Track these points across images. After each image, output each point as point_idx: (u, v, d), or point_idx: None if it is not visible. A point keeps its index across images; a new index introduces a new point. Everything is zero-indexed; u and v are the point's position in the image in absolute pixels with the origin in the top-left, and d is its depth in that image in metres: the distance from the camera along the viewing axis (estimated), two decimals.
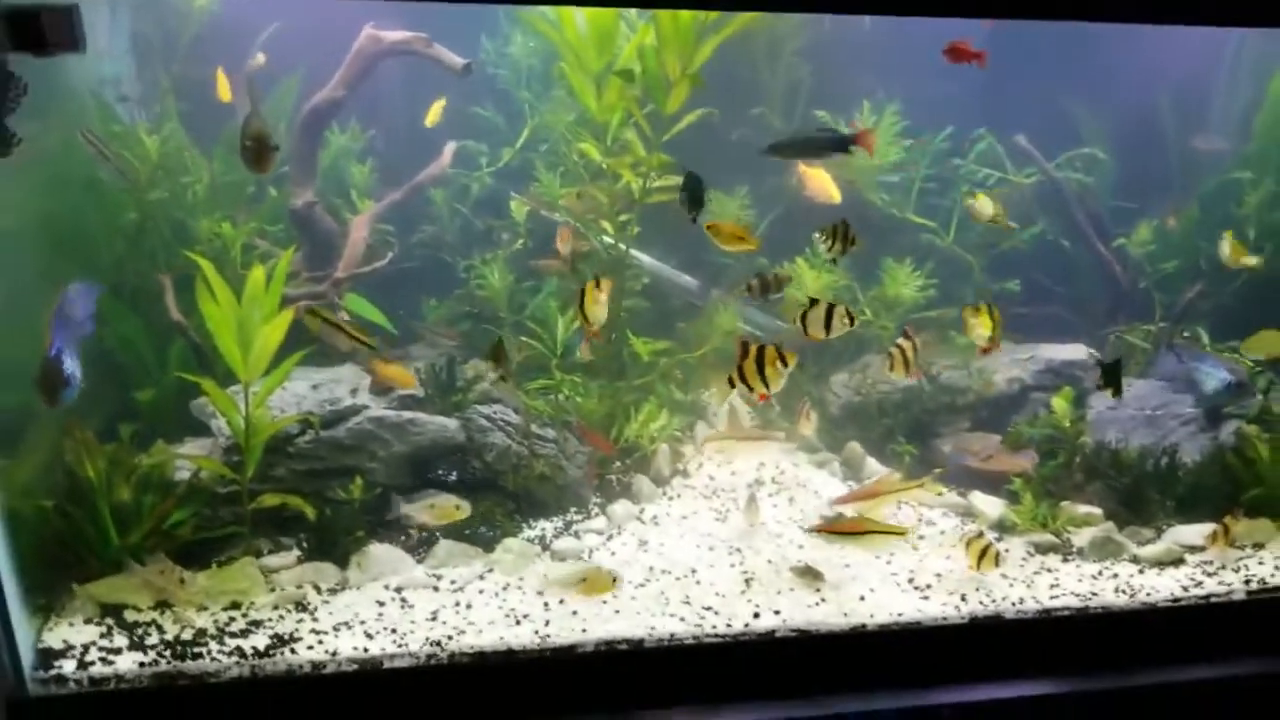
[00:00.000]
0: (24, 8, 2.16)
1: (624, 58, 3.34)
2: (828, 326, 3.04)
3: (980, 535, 3.21)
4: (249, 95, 2.89)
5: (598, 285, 2.95)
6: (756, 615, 3.04)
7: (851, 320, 3.06)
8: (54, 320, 2.67)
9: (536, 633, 2.91)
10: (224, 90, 3.25)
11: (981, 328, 3.06)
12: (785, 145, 3.23)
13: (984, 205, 3.44)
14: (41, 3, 2.16)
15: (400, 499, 3.22)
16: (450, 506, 3.19)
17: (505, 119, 3.80)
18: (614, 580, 3.05)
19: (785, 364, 2.93)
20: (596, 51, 3.29)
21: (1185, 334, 3.78)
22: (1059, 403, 3.54)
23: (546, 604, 3.02)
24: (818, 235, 3.08)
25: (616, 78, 3.27)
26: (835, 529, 3.20)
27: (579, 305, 2.97)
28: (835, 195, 3.46)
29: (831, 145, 3.14)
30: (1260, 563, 3.39)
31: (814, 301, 3.05)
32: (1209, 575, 3.31)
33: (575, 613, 3.00)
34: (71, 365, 2.64)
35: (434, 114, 3.53)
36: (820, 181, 3.55)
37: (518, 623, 2.95)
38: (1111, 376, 3.22)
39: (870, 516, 3.23)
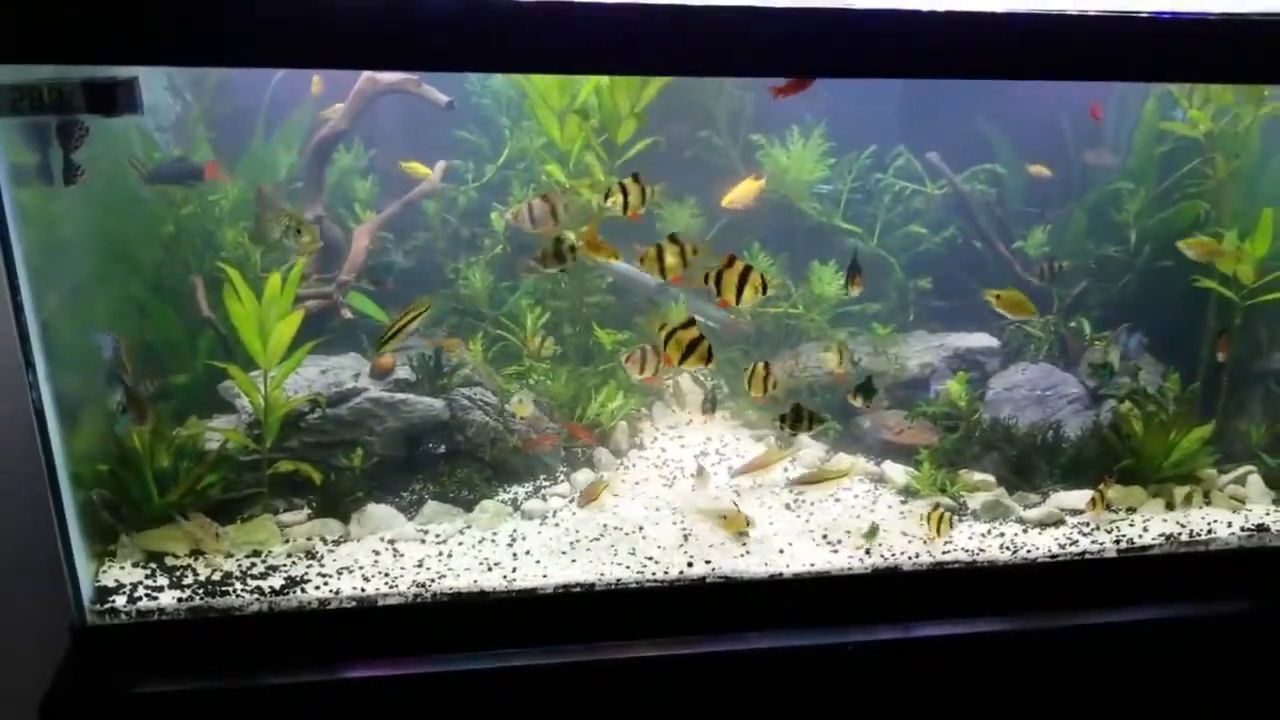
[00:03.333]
0: (99, 80, 2.72)
1: (581, 97, 3.87)
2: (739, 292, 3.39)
3: (936, 507, 3.68)
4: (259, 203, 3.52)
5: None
6: (690, 564, 3.53)
7: (764, 288, 3.40)
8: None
9: (504, 577, 3.43)
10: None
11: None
12: (155, 176, 3.73)
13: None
14: (112, 76, 2.74)
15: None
16: None
17: (488, 141, 4.33)
18: (747, 522, 3.66)
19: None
20: (558, 93, 3.83)
21: (1071, 324, 4.32)
22: (954, 385, 4.07)
23: (514, 548, 3.59)
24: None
25: (575, 115, 3.85)
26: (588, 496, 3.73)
27: None
28: (747, 201, 4.08)
29: (186, 174, 3.70)
30: (1131, 524, 3.85)
31: (732, 259, 3.37)
32: (1084, 535, 3.76)
33: (538, 562, 3.56)
34: None
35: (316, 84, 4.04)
36: (739, 191, 4.16)
37: (489, 569, 3.45)
38: (865, 389, 3.86)
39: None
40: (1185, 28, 3.05)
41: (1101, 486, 3.80)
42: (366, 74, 3.93)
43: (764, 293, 3.40)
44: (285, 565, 3.43)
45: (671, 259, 3.36)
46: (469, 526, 3.72)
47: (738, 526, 3.66)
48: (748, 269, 3.35)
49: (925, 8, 2.90)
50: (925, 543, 3.69)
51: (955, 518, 3.72)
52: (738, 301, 3.40)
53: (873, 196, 4.38)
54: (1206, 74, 3.52)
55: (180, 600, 3.24)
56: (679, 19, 2.77)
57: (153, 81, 3.86)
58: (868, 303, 4.38)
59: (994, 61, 3.05)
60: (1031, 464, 4.03)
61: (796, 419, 3.70)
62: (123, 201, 3.76)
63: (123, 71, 2.74)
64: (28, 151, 2.93)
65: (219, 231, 3.91)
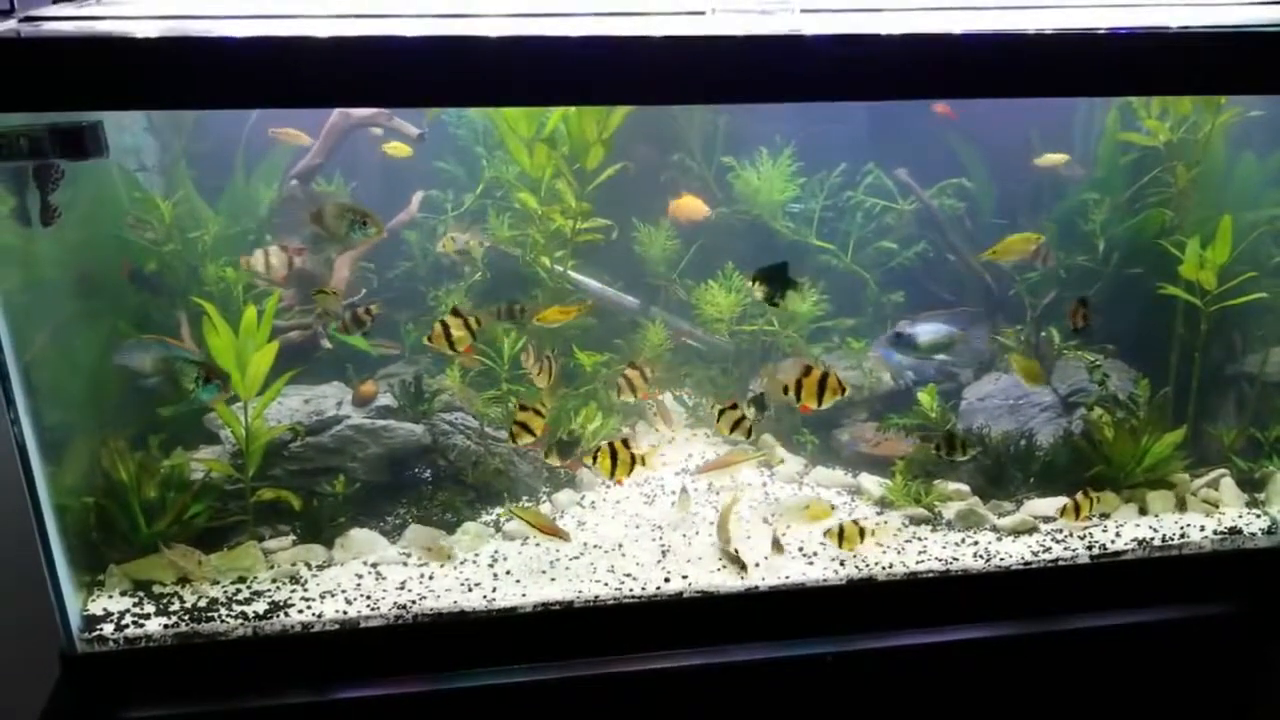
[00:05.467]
0: (64, 125, 2.82)
1: (550, 125, 3.97)
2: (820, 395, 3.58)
3: (855, 522, 3.69)
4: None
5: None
6: (667, 580, 3.61)
7: (843, 390, 3.59)
8: None
9: (484, 598, 3.52)
10: None
11: None
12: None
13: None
14: (77, 121, 2.83)
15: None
16: None
17: (465, 171, 4.42)
18: (832, 508, 3.82)
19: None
20: (527, 122, 3.93)
21: (1042, 333, 4.38)
22: (924, 397, 4.14)
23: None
24: None
25: (543, 144, 3.95)
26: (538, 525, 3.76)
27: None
28: (698, 214, 4.27)
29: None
30: (1104, 530, 3.90)
31: (809, 369, 3.57)
32: (1057, 542, 3.80)
33: (518, 581, 3.63)
34: None
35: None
36: (687, 205, 4.31)
37: (470, 590, 3.54)
38: (756, 402, 3.95)
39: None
40: (1142, 42, 3.11)
41: (1082, 497, 3.83)
42: (339, 110, 4.04)
43: (843, 394, 3.60)
44: (270, 590, 3.51)
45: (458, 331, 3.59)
46: (451, 548, 3.79)
47: (824, 514, 3.80)
48: (825, 375, 3.55)
49: (884, 31, 2.98)
50: (899, 552, 3.74)
51: (875, 529, 3.74)
52: (819, 405, 3.60)
53: (844, 214, 4.45)
54: (1164, 86, 3.59)
55: (166, 627, 3.33)
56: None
57: (134, 121, 3.98)
58: (842, 318, 4.44)
59: (958, 82, 3.12)
60: (1005, 472, 4.08)
61: (950, 447, 3.84)
62: (104, 240, 3.86)
63: (88, 116, 2.83)
64: (5, 194, 3.03)
65: (202, 267, 4.01)
